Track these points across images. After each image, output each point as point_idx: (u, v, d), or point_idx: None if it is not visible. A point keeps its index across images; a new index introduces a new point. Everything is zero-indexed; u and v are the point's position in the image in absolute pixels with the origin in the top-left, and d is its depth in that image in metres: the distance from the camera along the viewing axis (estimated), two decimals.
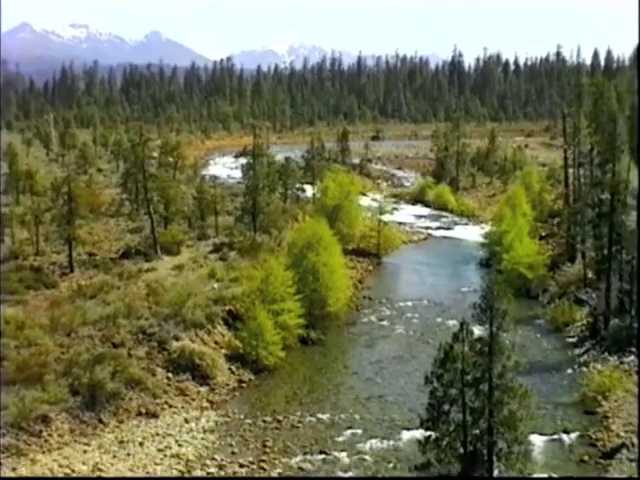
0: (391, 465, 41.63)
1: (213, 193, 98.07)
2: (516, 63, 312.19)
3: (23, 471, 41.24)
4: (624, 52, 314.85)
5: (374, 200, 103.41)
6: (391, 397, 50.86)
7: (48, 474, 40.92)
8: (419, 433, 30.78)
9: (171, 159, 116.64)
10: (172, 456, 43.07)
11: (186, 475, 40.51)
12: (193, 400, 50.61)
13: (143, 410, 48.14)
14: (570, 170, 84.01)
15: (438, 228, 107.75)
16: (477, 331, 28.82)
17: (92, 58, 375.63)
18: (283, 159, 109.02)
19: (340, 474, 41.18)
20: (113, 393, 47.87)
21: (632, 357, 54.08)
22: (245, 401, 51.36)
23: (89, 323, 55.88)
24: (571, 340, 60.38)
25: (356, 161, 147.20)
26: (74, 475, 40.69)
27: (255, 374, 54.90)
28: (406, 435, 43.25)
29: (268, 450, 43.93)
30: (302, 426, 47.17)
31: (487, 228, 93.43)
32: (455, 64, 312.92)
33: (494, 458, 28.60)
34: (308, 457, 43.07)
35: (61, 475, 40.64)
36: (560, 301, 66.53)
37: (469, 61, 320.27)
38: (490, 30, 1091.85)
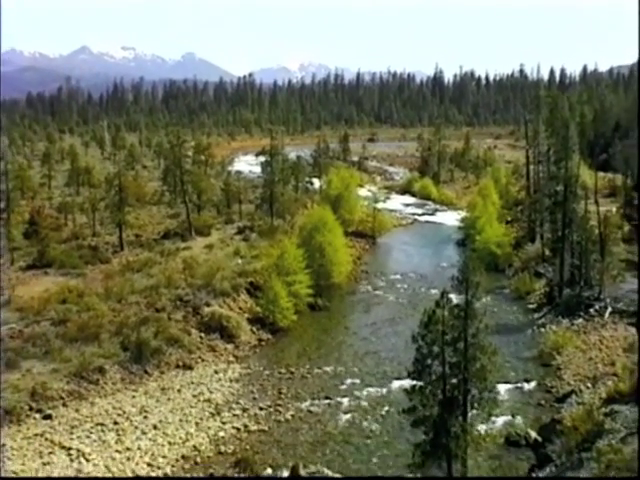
0: (384, 408, 41.90)
1: (237, 185, 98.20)
2: (487, 78, 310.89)
3: (85, 412, 41.58)
4: (575, 69, 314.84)
5: (370, 191, 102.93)
6: (384, 353, 51.06)
7: (105, 415, 41.22)
8: (407, 382, 30.86)
9: (203, 157, 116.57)
10: (204, 401, 43.38)
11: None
12: (221, 355, 50.88)
13: (180, 363, 48.46)
14: (531, 166, 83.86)
15: (422, 214, 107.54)
16: (455, 299, 28.86)
17: (138, 75, 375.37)
18: (295, 157, 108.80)
19: (342, 416, 41.39)
20: (156, 349, 48.24)
21: (580, 320, 54.31)
22: (264, 356, 51.57)
23: (136, 292, 56.21)
24: (531, 306, 60.44)
25: (355, 159, 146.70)
26: (124, 414, 41.05)
27: (272, 334, 55.11)
28: (396, 384, 43.42)
29: (282, 396, 44.24)
30: (310, 376, 47.41)
31: (463, 214, 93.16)
32: (437, 79, 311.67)
33: (468, 403, 28.70)
34: (315, 402, 43.32)
35: (113, 418, 40.95)
36: (522, 274, 66.47)
37: (448, 76, 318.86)
38: (466, 51, 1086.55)
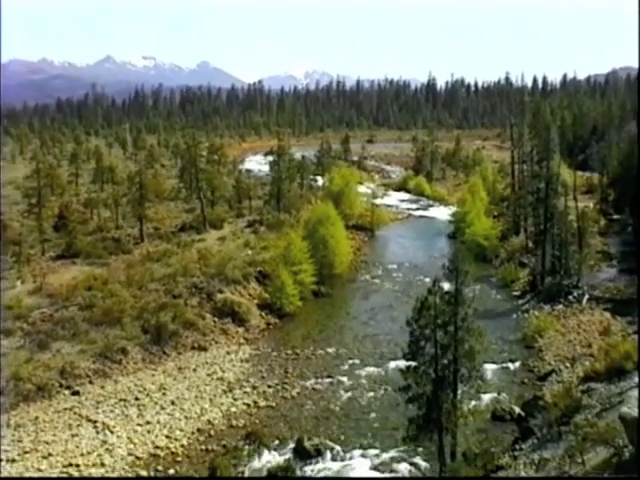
0: (382, 386, 41.93)
1: (247, 183, 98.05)
2: (476, 85, 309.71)
3: (109, 388, 41.70)
4: (556, 77, 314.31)
5: (368, 188, 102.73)
6: (381, 336, 51.05)
7: (127, 392, 41.30)
8: (402, 363, 30.89)
9: (216, 157, 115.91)
10: (218, 379, 43.44)
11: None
12: (233, 338, 50.92)
13: (196, 345, 48.51)
14: (516, 166, 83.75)
15: (417, 209, 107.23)
16: (446, 286, 28.83)
17: (158, 82, 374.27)
18: (300, 157, 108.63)
19: (343, 393, 41.41)
20: (173, 332, 48.32)
21: (560, 306, 54.33)
22: (272, 339, 51.59)
23: (155, 280, 56.24)
24: (516, 293, 60.37)
25: (355, 158, 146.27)
26: (145, 391, 41.14)
27: (279, 318, 55.10)
28: (392, 364, 43.38)
29: (289, 375, 44.27)
30: (314, 357, 47.44)
31: (453, 209, 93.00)
32: (430, 85, 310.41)
33: (458, 381, 28.70)
34: (319, 380, 43.35)
35: (134, 395, 41.04)
36: (508, 264, 66.41)
37: (440, 83, 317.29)
38: (456, 60, 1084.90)
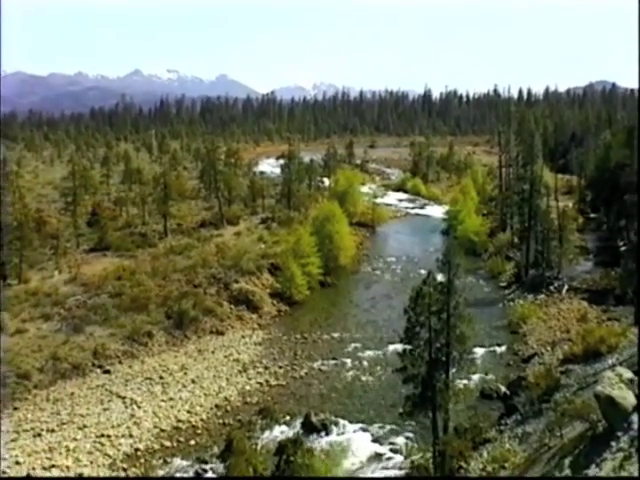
0: (381, 368, 41.92)
1: (261, 183, 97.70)
2: (467, 96, 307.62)
3: (136, 368, 41.83)
4: (539, 89, 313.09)
5: (370, 188, 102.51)
6: (381, 322, 51.02)
7: (152, 371, 41.40)
8: (399, 346, 30.79)
9: (232, 160, 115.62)
10: (234, 360, 43.49)
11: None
12: (247, 323, 50.95)
13: (214, 329, 48.59)
14: (503, 169, 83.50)
15: (413, 208, 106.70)
16: (439, 277, 28.74)
17: (180, 92, 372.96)
18: (308, 160, 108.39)
19: (346, 373, 41.43)
20: (194, 318, 48.39)
21: (543, 295, 54.15)
22: (282, 324, 51.62)
23: (177, 271, 56.27)
24: (502, 284, 60.16)
25: (358, 162, 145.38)
26: (168, 371, 41.22)
27: (289, 306, 55.05)
28: (390, 348, 43.33)
29: (297, 357, 44.33)
30: (321, 341, 47.46)
31: (447, 208, 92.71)
32: (426, 96, 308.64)
33: (450, 363, 28.60)
34: (324, 362, 43.37)
35: (159, 374, 41.12)
36: (495, 257, 66.20)
37: (435, 94, 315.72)
38: (450, 73, 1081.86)
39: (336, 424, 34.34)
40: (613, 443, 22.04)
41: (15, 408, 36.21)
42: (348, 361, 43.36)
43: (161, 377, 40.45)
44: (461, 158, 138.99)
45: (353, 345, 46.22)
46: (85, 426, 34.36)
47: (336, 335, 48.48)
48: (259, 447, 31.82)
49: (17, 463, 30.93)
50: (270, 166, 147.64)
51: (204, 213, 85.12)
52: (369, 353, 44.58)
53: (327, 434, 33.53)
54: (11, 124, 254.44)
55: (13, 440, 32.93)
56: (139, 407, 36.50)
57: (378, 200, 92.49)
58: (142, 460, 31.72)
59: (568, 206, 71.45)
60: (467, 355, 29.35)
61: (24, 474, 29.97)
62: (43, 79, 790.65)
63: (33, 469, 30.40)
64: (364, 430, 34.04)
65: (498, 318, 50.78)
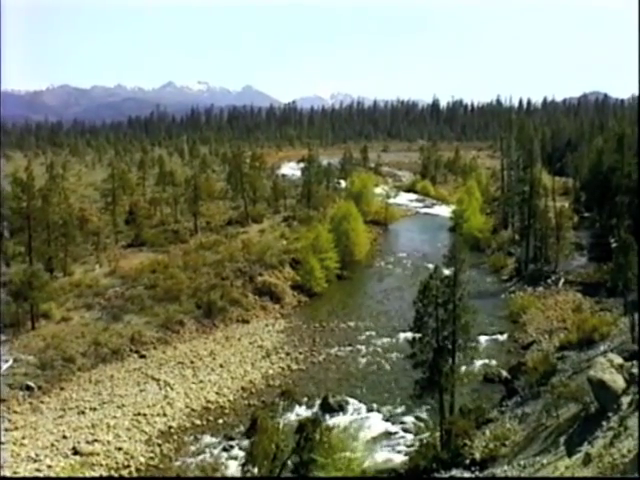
0: (393, 354, 41.87)
1: (283, 185, 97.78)
2: (472, 105, 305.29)
3: (169, 353, 42.10)
4: (538, 99, 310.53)
5: (383, 189, 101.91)
6: (393, 312, 50.97)
7: (184, 356, 41.62)
8: (409, 334, 30.76)
9: (257, 164, 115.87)
10: (258, 347, 43.62)
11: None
12: (270, 313, 51.08)
13: (240, 318, 48.76)
14: (505, 172, 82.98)
15: (423, 207, 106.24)
16: (446, 271, 28.68)
17: (210, 102, 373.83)
18: (326, 164, 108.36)
19: (361, 359, 41.42)
20: (221, 308, 48.60)
21: (541, 288, 53.84)
22: (302, 314, 51.68)
23: (207, 265, 56.45)
24: (504, 278, 59.82)
25: (372, 165, 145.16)
26: (198, 356, 41.42)
27: (308, 297, 55.14)
28: (402, 335, 43.26)
29: (316, 344, 44.39)
30: (337, 329, 47.49)
31: (453, 207, 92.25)
32: (434, 105, 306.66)
33: (455, 350, 28.51)
34: (341, 348, 43.38)
35: (190, 359, 41.34)
36: (498, 253, 65.93)
37: (443, 104, 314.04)
38: (456, 84, 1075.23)
39: (352, 405, 34.38)
40: (604, 422, 22.06)
41: (62, 388, 36.66)
42: (362, 348, 43.36)
43: (192, 362, 40.67)
44: (466, 162, 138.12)
45: (367, 333, 46.21)
46: (123, 405, 34.66)
47: (352, 324, 48.49)
48: (281, 426, 31.86)
49: (64, 437, 31.30)
50: (291, 169, 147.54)
51: (231, 212, 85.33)
52: (382, 340, 44.52)
53: (344, 414, 33.57)
54: (57, 132, 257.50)
55: (60, 417, 33.34)
56: (172, 389, 36.75)
57: (390, 200, 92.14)
58: (175, 437, 31.98)
59: (564, 206, 70.77)
60: (471, 343, 29.26)
61: (70, 447, 30.32)
62: (86, 91, 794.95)
63: (78, 443, 30.73)
64: (377, 411, 34.05)
65: (500, 309, 50.51)
